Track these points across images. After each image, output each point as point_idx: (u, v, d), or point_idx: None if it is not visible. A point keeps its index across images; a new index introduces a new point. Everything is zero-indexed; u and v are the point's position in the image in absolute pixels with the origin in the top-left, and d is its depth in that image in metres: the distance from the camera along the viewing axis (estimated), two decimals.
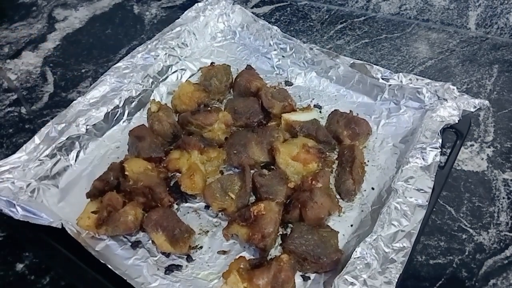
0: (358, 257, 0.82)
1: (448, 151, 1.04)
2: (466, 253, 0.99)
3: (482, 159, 1.16)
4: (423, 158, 0.96)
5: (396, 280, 0.79)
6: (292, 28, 1.57)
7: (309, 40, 1.51)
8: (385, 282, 0.78)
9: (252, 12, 1.37)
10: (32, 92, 1.37)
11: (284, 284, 0.82)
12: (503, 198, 1.08)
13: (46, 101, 1.34)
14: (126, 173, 0.98)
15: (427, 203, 0.89)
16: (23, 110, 1.32)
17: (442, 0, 1.51)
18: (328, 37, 1.53)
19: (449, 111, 1.05)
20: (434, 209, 1.03)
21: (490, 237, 1.01)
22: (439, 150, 0.97)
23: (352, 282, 0.78)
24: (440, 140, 0.99)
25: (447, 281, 0.94)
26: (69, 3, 1.70)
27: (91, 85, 1.12)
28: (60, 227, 0.86)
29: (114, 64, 1.20)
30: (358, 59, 1.21)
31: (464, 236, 1.01)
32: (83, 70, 1.43)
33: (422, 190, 0.91)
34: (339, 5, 1.65)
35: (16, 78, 1.41)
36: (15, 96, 1.36)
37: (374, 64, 1.18)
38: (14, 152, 0.99)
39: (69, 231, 0.87)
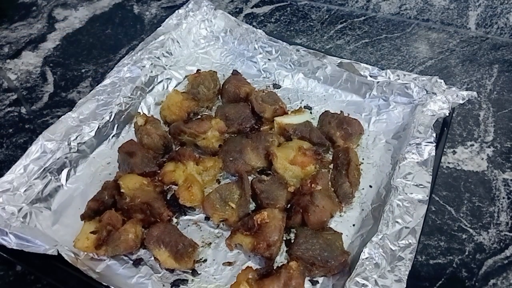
0: (366, 258, 0.82)
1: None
2: (466, 253, 0.99)
3: (482, 159, 1.16)
4: (419, 154, 0.97)
5: (406, 277, 0.79)
6: (292, 28, 1.56)
7: (309, 40, 1.50)
8: (395, 280, 0.79)
9: (252, 12, 1.35)
10: (32, 92, 1.34)
11: None
12: (503, 198, 1.08)
13: (46, 101, 1.32)
14: (122, 190, 0.95)
15: (427, 198, 0.90)
16: (23, 110, 1.29)
17: (442, 0, 1.52)
18: (328, 37, 1.52)
19: (439, 105, 1.07)
20: (434, 209, 1.04)
21: (490, 237, 1.02)
22: (434, 144, 0.98)
23: (363, 284, 0.78)
24: (434, 135, 1.00)
25: (447, 281, 0.94)
26: (69, 3, 1.68)
27: (91, 85, 1.08)
28: (56, 254, 0.82)
29: (115, 64, 1.16)
30: (358, 59, 1.20)
31: (464, 236, 1.02)
32: (83, 70, 1.40)
33: (421, 185, 0.92)
34: (339, 5, 1.65)
35: (16, 78, 1.39)
36: (15, 96, 1.33)
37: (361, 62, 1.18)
38: (14, 152, 0.95)
39: (66, 257, 0.83)
